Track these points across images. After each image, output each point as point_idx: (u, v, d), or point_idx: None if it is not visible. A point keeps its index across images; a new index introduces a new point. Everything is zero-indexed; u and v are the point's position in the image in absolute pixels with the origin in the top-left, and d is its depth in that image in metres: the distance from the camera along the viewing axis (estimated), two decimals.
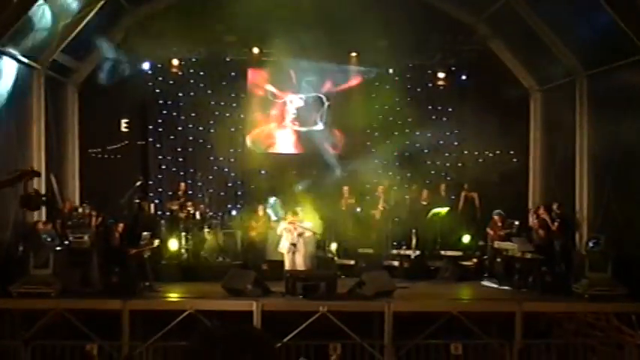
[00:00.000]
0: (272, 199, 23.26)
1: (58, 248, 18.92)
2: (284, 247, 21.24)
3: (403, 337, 17.61)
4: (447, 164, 25.36)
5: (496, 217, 22.19)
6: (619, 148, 19.65)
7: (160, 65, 24.61)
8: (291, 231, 21.23)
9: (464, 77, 24.94)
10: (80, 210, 21.66)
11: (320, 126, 25.24)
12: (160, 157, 25.04)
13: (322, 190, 24.00)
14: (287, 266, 20.82)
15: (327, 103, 25.19)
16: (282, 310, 17.92)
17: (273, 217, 22.85)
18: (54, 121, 21.83)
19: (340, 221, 23.48)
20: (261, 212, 22.74)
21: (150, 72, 24.66)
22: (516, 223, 22.13)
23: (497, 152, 25.18)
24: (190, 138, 25.05)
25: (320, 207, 23.05)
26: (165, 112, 25.00)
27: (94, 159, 24.30)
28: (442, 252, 22.84)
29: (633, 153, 18.80)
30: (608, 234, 19.02)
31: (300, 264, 21.07)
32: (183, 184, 23.95)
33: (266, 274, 20.24)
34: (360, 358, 17.28)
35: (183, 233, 22.65)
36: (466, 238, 23.04)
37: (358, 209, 24.03)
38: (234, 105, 25.00)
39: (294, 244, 21.10)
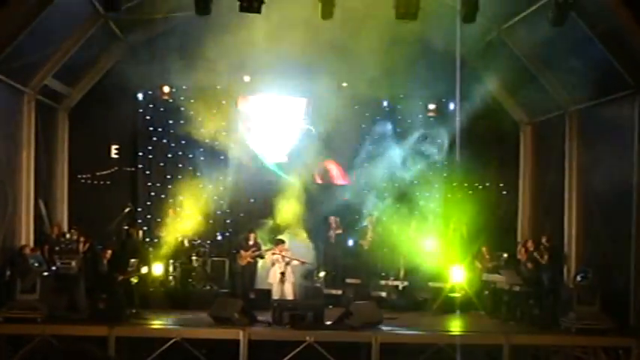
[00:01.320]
0: None
1: (45, 273, 18.85)
2: (273, 276, 21.19)
3: None
4: (436, 195, 25.39)
5: (484, 249, 22.21)
6: (608, 181, 19.71)
7: (150, 92, 24.66)
8: (280, 260, 21.21)
9: (456, 106, 25.03)
10: (68, 235, 21.59)
11: (309, 154, 25.25)
12: (150, 183, 25.00)
13: (311, 219, 24.06)
14: (275, 295, 20.77)
15: (315, 132, 25.22)
16: (268, 340, 17.87)
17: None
18: (44, 146, 21.79)
19: (328, 251, 23.50)
20: (250, 241, 22.63)
21: (141, 98, 24.69)
22: (505, 255, 22.16)
23: (487, 184, 25.23)
24: (180, 165, 25.01)
25: (309, 236, 23.15)
26: (155, 139, 24.98)
27: (84, 185, 24.24)
28: (430, 283, 22.82)
29: (622, 187, 18.85)
30: (597, 267, 19.04)
31: (289, 293, 21.03)
32: (173, 211, 23.88)
33: (253, 303, 20.16)
34: None
35: (171, 260, 22.60)
36: (458, 275, 23.00)
37: (347, 239, 24.02)
38: (225, 133, 24.98)
39: (282, 274, 21.07)
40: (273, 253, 21.50)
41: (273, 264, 21.38)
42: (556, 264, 21.32)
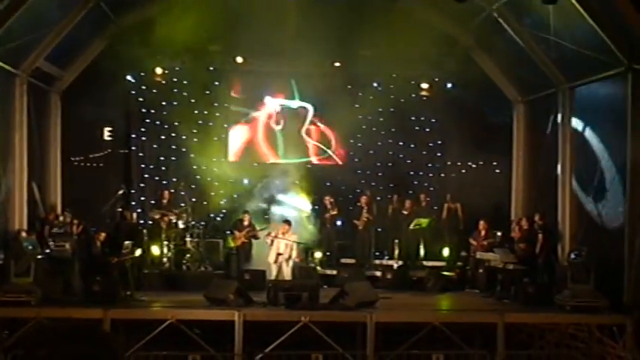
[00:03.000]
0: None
1: (40, 256, 18.81)
2: (271, 256, 21.18)
3: (385, 347, 17.58)
4: (430, 175, 25.43)
5: (482, 223, 22.15)
6: (601, 158, 19.70)
7: (143, 74, 24.56)
8: (278, 240, 21.19)
9: (449, 85, 25.05)
10: (61, 218, 21.56)
11: (303, 135, 25.26)
12: (143, 165, 24.97)
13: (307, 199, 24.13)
14: (273, 276, 20.78)
15: (311, 112, 25.22)
16: (264, 320, 17.89)
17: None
18: (36, 128, 21.73)
19: (323, 231, 23.52)
20: (245, 222, 22.62)
21: (133, 80, 24.62)
22: (499, 233, 22.17)
23: (480, 163, 25.19)
24: (173, 147, 24.97)
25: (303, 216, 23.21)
26: (148, 120, 24.95)
27: (77, 167, 24.21)
28: (425, 262, 22.85)
29: (615, 164, 18.84)
30: (591, 245, 19.05)
31: (287, 274, 21.04)
32: (166, 193, 23.83)
33: (248, 284, 20.16)
34: None
35: (165, 242, 22.58)
36: (445, 251, 23.06)
37: (340, 219, 24.04)
38: (218, 114, 24.92)
39: (280, 254, 21.07)
40: (268, 234, 21.48)
41: (271, 242, 21.35)
42: (550, 242, 21.34)
